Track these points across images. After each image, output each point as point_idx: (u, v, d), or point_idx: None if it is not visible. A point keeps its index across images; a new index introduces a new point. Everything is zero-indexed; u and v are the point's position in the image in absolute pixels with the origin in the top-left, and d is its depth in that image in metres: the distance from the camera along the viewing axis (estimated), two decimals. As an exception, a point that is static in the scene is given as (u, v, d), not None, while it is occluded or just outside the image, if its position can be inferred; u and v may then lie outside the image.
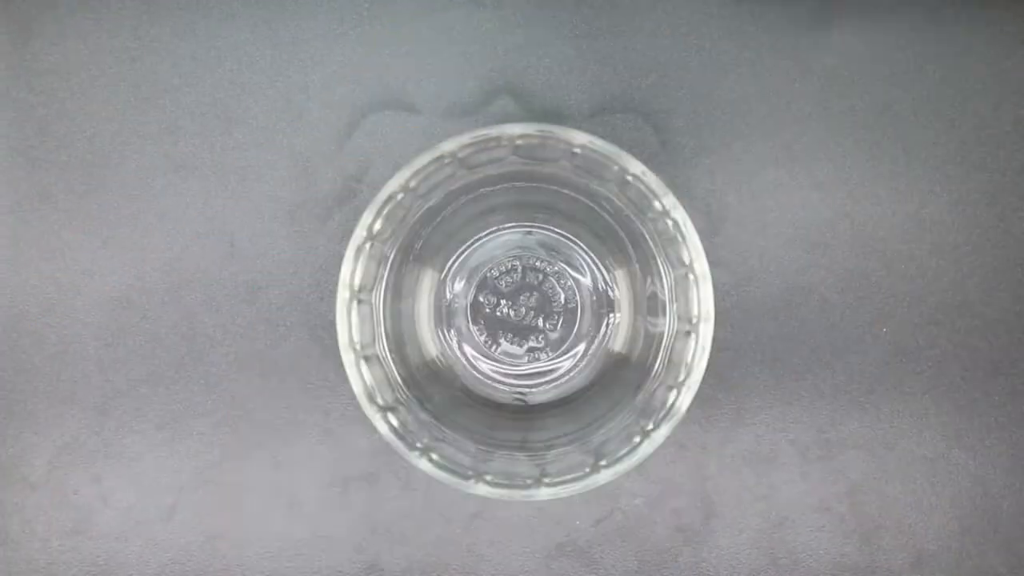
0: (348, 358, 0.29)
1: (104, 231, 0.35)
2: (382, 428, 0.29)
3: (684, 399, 0.30)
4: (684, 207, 0.30)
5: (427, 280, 0.34)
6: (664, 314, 0.32)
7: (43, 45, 0.35)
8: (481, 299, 0.35)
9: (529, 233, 0.35)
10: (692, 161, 0.35)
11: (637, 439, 0.30)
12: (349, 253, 0.30)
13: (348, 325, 0.30)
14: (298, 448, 0.35)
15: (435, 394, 0.33)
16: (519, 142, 0.30)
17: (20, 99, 0.35)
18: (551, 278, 0.35)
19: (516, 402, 0.35)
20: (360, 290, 0.30)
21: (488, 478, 0.30)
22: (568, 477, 0.30)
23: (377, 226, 0.30)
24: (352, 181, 0.35)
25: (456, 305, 0.35)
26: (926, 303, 0.36)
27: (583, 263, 0.35)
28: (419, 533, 0.35)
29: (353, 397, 0.29)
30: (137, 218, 0.35)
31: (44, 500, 0.35)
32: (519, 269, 0.35)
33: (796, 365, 0.35)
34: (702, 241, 0.30)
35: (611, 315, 0.35)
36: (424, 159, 0.29)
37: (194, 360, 0.35)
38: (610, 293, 0.35)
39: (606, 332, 0.35)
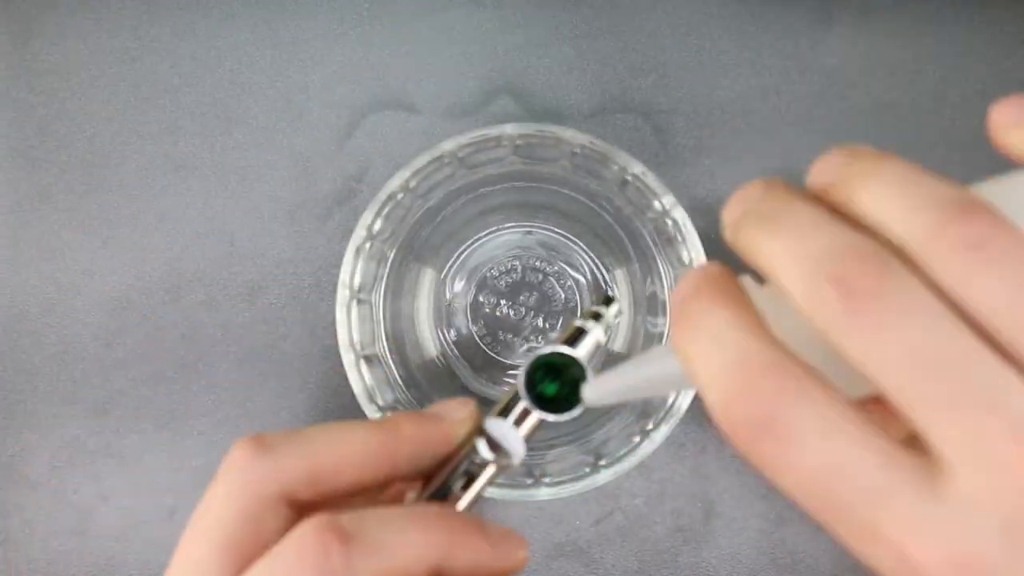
0: (348, 358, 0.29)
1: (104, 231, 0.35)
2: (382, 428, 0.29)
3: (684, 399, 0.30)
4: (684, 207, 0.30)
5: (427, 280, 0.34)
6: (664, 314, 0.32)
7: (43, 45, 0.35)
8: (481, 299, 0.35)
9: (529, 233, 0.35)
10: (692, 161, 0.35)
11: (637, 439, 0.30)
12: (349, 253, 0.30)
13: (348, 325, 0.30)
14: (298, 448, 0.35)
15: (435, 394, 0.33)
16: (519, 142, 0.30)
17: (20, 99, 0.35)
18: (551, 278, 0.35)
19: (516, 402, 0.35)
20: (360, 290, 0.30)
21: (488, 478, 0.30)
22: (568, 477, 0.30)
23: (377, 226, 0.30)
24: (352, 181, 0.35)
25: (456, 305, 0.35)
26: (926, 303, 0.36)
27: (583, 263, 0.35)
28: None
29: (353, 397, 0.29)
30: (137, 218, 0.35)
31: (44, 500, 0.35)
32: (519, 269, 0.35)
33: (796, 365, 0.35)
34: (702, 241, 0.30)
35: (611, 315, 0.35)
36: (424, 159, 0.29)
37: (194, 360, 0.35)
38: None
39: (606, 332, 0.35)
